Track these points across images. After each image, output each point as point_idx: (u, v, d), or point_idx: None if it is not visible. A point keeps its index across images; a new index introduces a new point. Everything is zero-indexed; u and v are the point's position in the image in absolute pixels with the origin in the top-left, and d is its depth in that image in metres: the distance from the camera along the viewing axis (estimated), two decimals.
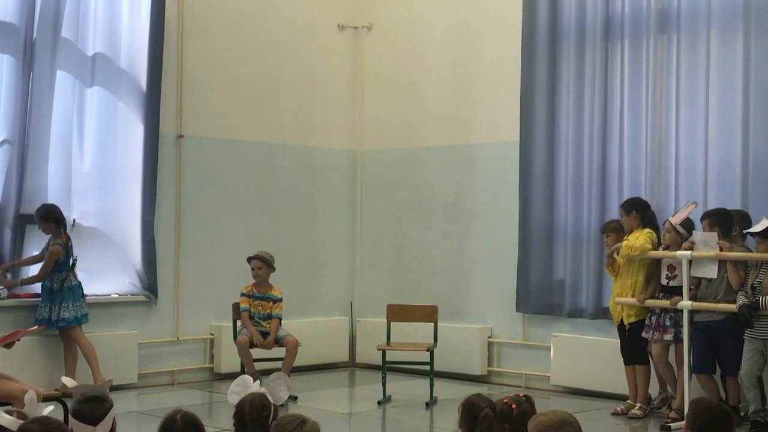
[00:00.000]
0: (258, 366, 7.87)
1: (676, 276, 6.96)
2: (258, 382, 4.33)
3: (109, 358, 7.75)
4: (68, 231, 7.65)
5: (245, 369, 7.57)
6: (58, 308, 7.37)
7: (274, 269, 7.89)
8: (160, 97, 8.30)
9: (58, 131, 7.81)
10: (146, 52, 8.22)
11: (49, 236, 7.46)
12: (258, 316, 7.82)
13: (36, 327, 6.86)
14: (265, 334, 7.74)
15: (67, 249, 7.45)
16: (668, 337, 6.94)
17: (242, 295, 7.86)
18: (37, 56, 7.64)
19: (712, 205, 7.12)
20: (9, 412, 3.54)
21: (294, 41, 9.35)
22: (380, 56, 9.67)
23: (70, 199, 7.88)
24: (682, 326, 6.84)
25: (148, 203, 8.22)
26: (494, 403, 3.97)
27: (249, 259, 7.88)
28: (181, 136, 8.54)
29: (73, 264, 7.50)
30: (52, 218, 7.42)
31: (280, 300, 7.87)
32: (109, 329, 7.95)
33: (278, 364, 7.66)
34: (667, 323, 6.96)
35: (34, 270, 7.56)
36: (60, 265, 7.42)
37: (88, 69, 7.98)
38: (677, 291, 6.89)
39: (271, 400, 4.05)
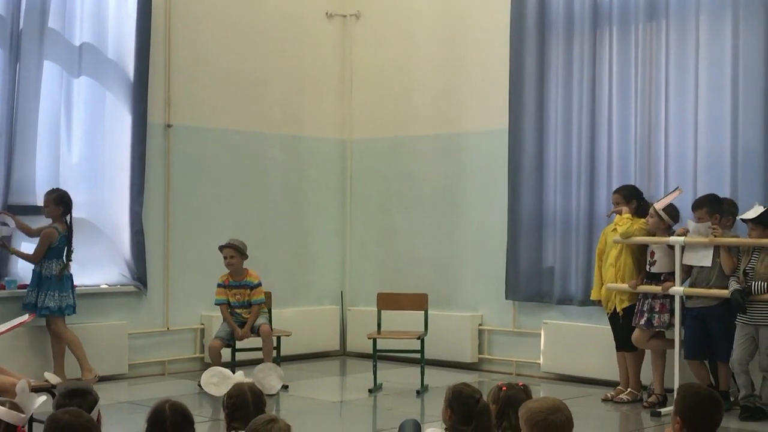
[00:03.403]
0: (246, 356, 7.85)
1: (655, 262, 6.99)
2: (240, 373, 4.34)
3: (99, 348, 7.74)
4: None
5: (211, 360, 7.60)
6: (44, 295, 7.32)
7: (246, 257, 7.77)
8: (148, 87, 8.27)
9: (45, 122, 7.77)
10: (133, 42, 8.19)
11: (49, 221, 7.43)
12: (236, 305, 7.73)
13: (28, 316, 6.83)
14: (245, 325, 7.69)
15: (65, 238, 7.40)
16: (641, 322, 6.98)
17: (218, 286, 7.77)
18: (23, 47, 7.59)
19: (702, 192, 7.13)
20: (1, 403, 3.54)
21: (282, 30, 9.32)
22: (369, 45, 9.66)
23: None
24: (657, 312, 6.91)
25: (136, 194, 8.20)
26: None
27: (221, 248, 7.78)
28: (169, 126, 8.52)
29: (69, 257, 7.45)
30: (62, 203, 7.42)
31: (259, 285, 7.76)
32: (98, 320, 7.94)
33: (261, 354, 7.63)
34: (644, 308, 6.99)
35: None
36: (54, 252, 7.38)
37: (75, 59, 7.94)
38: (656, 277, 6.94)
39: (263, 390, 4.06)
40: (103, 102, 8.12)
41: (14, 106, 7.57)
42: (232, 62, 8.92)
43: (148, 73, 8.25)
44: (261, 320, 7.73)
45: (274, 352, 7.71)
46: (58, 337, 7.43)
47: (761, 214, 6.53)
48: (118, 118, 8.16)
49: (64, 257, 7.43)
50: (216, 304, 7.80)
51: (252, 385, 4.01)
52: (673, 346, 6.92)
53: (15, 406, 3.56)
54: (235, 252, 7.72)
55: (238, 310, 7.74)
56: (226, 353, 7.72)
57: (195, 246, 8.59)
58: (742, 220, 6.71)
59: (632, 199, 7.22)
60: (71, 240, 7.46)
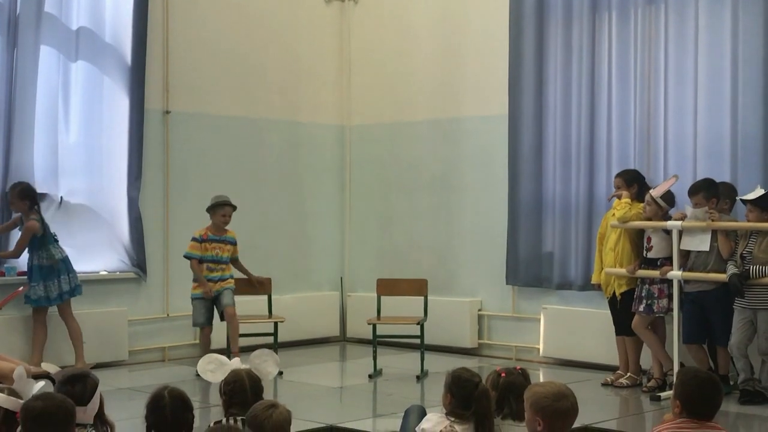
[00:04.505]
0: (242, 341, 7.84)
1: (652, 248, 6.98)
2: (237, 359, 4.36)
3: (99, 335, 7.74)
4: (56, 209, 7.68)
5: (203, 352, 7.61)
6: (57, 282, 7.30)
7: None
8: (145, 71, 8.23)
9: (43, 107, 7.74)
10: (131, 25, 8.13)
11: (19, 214, 7.37)
12: (210, 259, 7.66)
13: (22, 288, 6.82)
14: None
15: (44, 225, 7.37)
16: (641, 308, 6.98)
17: (194, 240, 7.67)
18: (20, 32, 7.56)
19: (701, 176, 7.12)
20: (0, 390, 3.54)
21: (280, 15, 9.29)
22: (367, 30, 9.62)
23: (57, 177, 7.83)
24: (657, 298, 6.92)
25: (133, 179, 8.17)
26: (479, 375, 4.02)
27: (223, 205, 7.67)
28: (167, 112, 8.50)
29: (55, 241, 7.43)
30: (28, 196, 7.32)
31: (236, 243, 7.79)
32: (98, 306, 7.93)
33: (262, 339, 7.61)
34: (643, 294, 6.99)
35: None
36: (41, 241, 7.32)
37: (73, 43, 7.90)
38: (653, 262, 6.94)
39: (260, 376, 4.07)
40: (100, 87, 8.09)
41: (11, 92, 7.55)
42: (230, 48, 8.89)
43: (145, 56, 8.22)
44: (227, 300, 7.65)
45: (272, 339, 7.72)
46: (66, 322, 7.40)
47: (761, 196, 6.52)
48: (115, 103, 8.13)
49: (55, 241, 7.39)
50: (186, 257, 7.66)
51: (249, 371, 4.02)
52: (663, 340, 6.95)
53: (13, 393, 3.56)
54: (232, 212, 7.73)
55: (211, 265, 7.68)
56: (221, 340, 7.72)
57: (194, 232, 8.57)
58: (741, 200, 6.71)
59: (634, 183, 7.21)
60: (48, 226, 7.40)
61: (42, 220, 7.36)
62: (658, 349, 6.99)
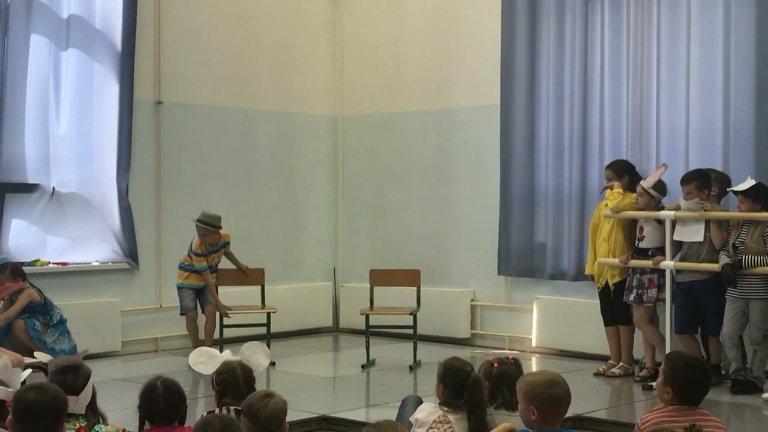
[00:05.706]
0: (233, 333, 7.85)
1: (644, 238, 6.99)
2: (228, 351, 4.39)
3: (92, 326, 7.73)
4: (48, 200, 7.67)
5: (191, 341, 7.66)
6: (63, 338, 7.07)
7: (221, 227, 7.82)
8: (137, 62, 8.19)
9: (34, 97, 7.71)
10: (120, 12, 8.05)
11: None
12: (212, 269, 7.80)
13: (21, 282, 6.77)
14: None
15: (41, 292, 7.09)
16: (631, 297, 6.99)
17: (198, 255, 7.68)
18: (11, 21, 7.52)
19: (693, 166, 7.13)
20: None
21: (273, 5, 9.26)
22: (360, 20, 9.60)
23: (49, 167, 7.80)
24: (647, 288, 6.93)
25: (123, 170, 8.14)
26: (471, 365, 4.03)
27: (214, 227, 7.66)
28: (160, 103, 8.47)
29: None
30: (20, 273, 7.00)
31: (229, 241, 7.86)
32: (91, 297, 7.92)
33: (255, 330, 7.62)
34: (633, 284, 7.00)
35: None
36: (40, 309, 7.04)
37: (63, 32, 7.85)
38: (645, 252, 6.95)
39: (251, 368, 4.08)
40: (91, 75, 8.03)
41: (2, 81, 7.51)
42: (222, 38, 8.87)
43: (135, 46, 8.17)
44: (209, 298, 7.75)
45: (265, 329, 7.72)
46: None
47: (751, 187, 6.53)
48: (105, 93, 8.09)
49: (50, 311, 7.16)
50: (201, 270, 7.67)
51: (240, 362, 4.03)
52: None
53: (1, 382, 3.56)
54: (215, 231, 7.67)
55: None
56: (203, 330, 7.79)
57: (187, 223, 8.52)
58: (732, 192, 6.71)
59: (624, 173, 7.22)
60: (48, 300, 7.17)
61: (39, 290, 7.10)
62: (659, 344, 6.97)
